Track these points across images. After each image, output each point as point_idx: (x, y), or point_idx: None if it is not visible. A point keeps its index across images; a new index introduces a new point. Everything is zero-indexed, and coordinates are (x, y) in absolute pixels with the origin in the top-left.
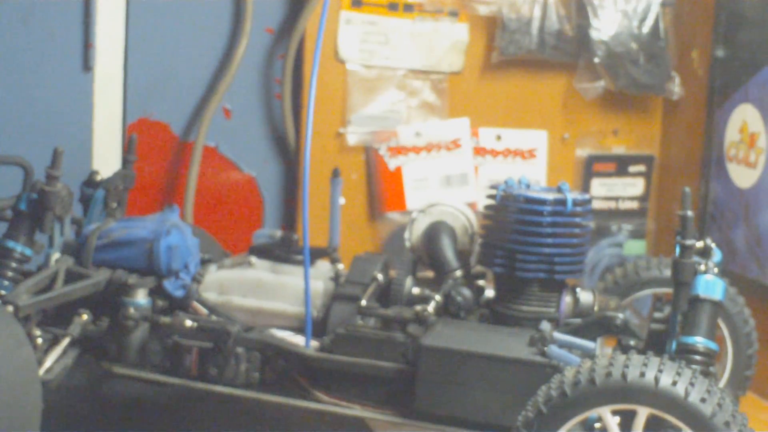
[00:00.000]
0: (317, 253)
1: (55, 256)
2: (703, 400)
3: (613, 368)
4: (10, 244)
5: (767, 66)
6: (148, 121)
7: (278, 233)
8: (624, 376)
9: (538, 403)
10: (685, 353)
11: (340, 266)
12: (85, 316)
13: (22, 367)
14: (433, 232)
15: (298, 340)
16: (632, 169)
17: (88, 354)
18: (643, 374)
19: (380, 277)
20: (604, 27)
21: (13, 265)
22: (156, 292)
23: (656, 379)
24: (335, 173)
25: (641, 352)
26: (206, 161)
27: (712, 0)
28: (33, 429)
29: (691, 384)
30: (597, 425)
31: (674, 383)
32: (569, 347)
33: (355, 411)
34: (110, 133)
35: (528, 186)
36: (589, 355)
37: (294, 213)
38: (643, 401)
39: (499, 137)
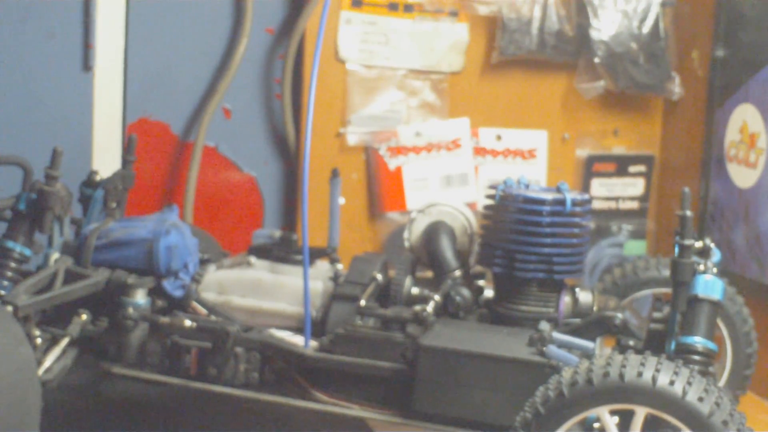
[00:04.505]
0: (316, 253)
1: (55, 256)
2: (700, 399)
3: (611, 368)
4: (10, 244)
5: (767, 66)
6: (148, 121)
7: (277, 233)
8: (621, 376)
9: (536, 404)
10: (684, 353)
11: (340, 266)
12: (84, 316)
13: (22, 366)
14: (432, 232)
15: (298, 340)
16: (632, 169)
17: (87, 354)
18: (640, 374)
19: (379, 277)
20: (604, 27)
21: (13, 265)
22: (155, 292)
23: (654, 379)
24: (334, 173)
25: (640, 351)
26: (206, 161)
27: (712, 0)
28: (32, 428)
29: (689, 383)
30: (596, 425)
31: (672, 383)
32: (568, 347)
33: (354, 411)
34: (110, 133)
35: (527, 186)
36: (588, 355)
37: (294, 213)
38: (641, 401)
39: (499, 137)
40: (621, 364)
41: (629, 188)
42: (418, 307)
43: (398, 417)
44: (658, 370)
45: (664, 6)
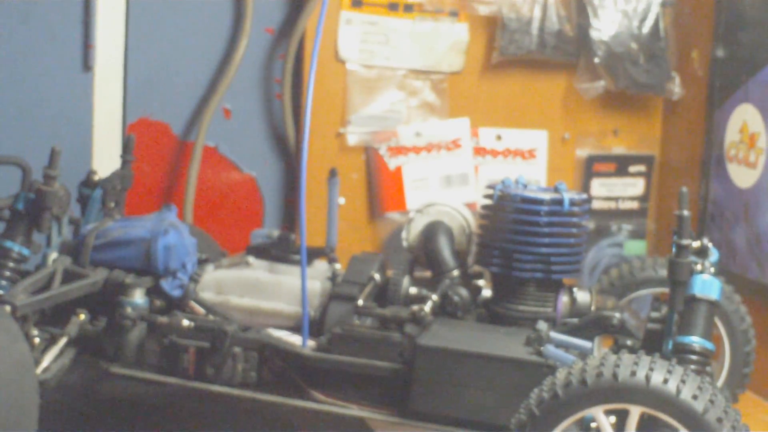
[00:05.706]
0: (314, 253)
1: (53, 255)
2: (694, 396)
3: (604, 368)
4: (8, 243)
5: (767, 66)
6: (148, 121)
7: (275, 233)
8: (615, 375)
9: (531, 406)
10: (681, 353)
11: (338, 266)
12: (82, 316)
13: (19, 365)
14: (430, 232)
15: (295, 339)
16: (632, 169)
17: (85, 353)
18: (634, 373)
19: (377, 276)
20: (604, 27)
21: (11, 264)
22: (153, 291)
23: (647, 378)
24: (332, 173)
25: (634, 351)
26: (206, 161)
27: (712, 0)
28: (30, 427)
29: (683, 381)
30: (593, 425)
31: (665, 381)
32: (566, 347)
33: (352, 410)
34: (110, 133)
35: (525, 186)
36: (585, 354)
37: (294, 213)
38: (635, 400)
39: (499, 137)
40: (614, 363)
41: (629, 188)
42: (415, 307)
43: (396, 416)
44: (651, 369)
45: (664, 6)
